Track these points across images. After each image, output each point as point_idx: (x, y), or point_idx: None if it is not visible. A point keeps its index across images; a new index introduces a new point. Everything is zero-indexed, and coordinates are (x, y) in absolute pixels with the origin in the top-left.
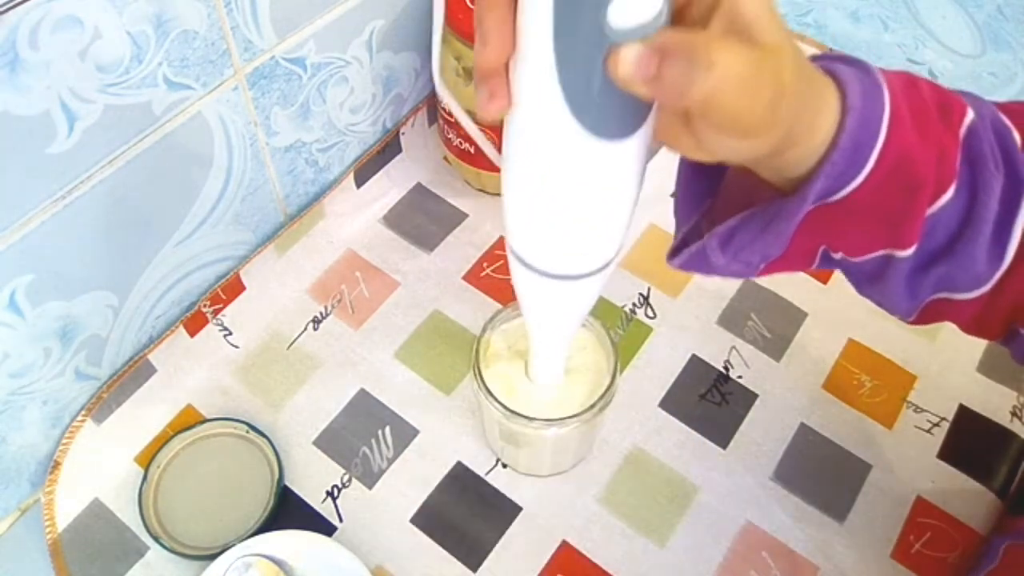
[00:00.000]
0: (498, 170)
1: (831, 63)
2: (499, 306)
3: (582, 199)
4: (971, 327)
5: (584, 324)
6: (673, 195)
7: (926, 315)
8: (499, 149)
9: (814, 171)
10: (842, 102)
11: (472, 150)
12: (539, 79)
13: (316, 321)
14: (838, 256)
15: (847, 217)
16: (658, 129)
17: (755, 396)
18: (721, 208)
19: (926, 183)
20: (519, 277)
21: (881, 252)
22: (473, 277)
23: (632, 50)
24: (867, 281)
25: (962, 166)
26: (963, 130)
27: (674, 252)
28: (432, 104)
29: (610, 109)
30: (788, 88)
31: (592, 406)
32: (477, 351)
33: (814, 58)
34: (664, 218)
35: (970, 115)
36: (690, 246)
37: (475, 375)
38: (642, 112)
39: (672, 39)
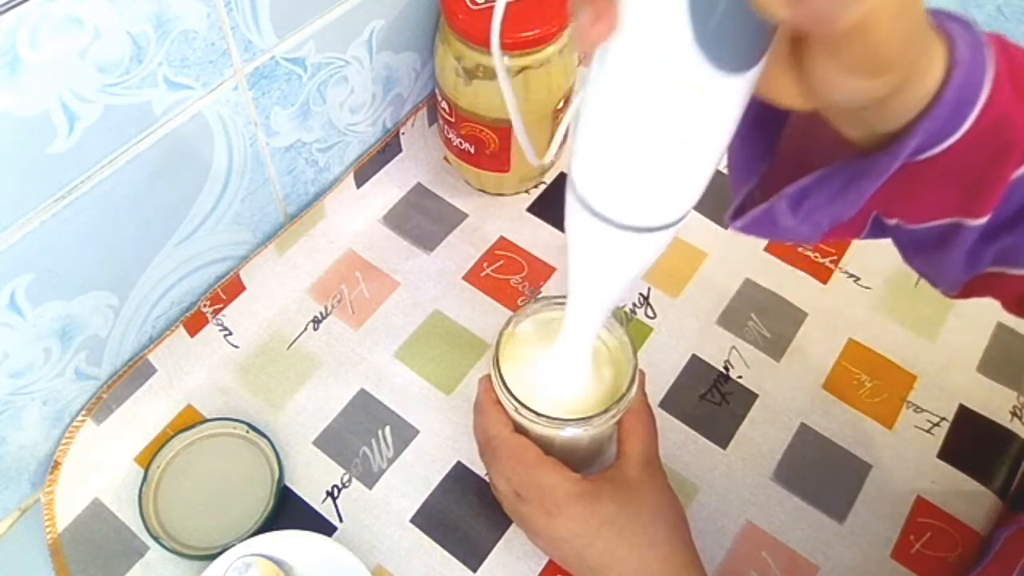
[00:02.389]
0: (498, 170)
1: (936, 16)
2: (499, 306)
3: (684, 137)
4: (1017, 305)
5: (608, 327)
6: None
7: (972, 289)
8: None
9: (912, 125)
10: (949, 56)
11: (472, 150)
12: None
13: (316, 321)
14: (892, 222)
15: (927, 179)
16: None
17: (755, 396)
18: (776, 172)
19: (1017, 147)
20: (580, 230)
21: (949, 220)
22: (473, 277)
23: None
24: (922, 249)
25: None
26: None
27: (735, 214)
28: (432, 104)
29: (735, 37)
30: (921, 24)
31: (606, 410)
32: (498, 345)
33: None
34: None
35: None
36: (749, 209)
37: (494, 369)
38: (763, 45)
39: None
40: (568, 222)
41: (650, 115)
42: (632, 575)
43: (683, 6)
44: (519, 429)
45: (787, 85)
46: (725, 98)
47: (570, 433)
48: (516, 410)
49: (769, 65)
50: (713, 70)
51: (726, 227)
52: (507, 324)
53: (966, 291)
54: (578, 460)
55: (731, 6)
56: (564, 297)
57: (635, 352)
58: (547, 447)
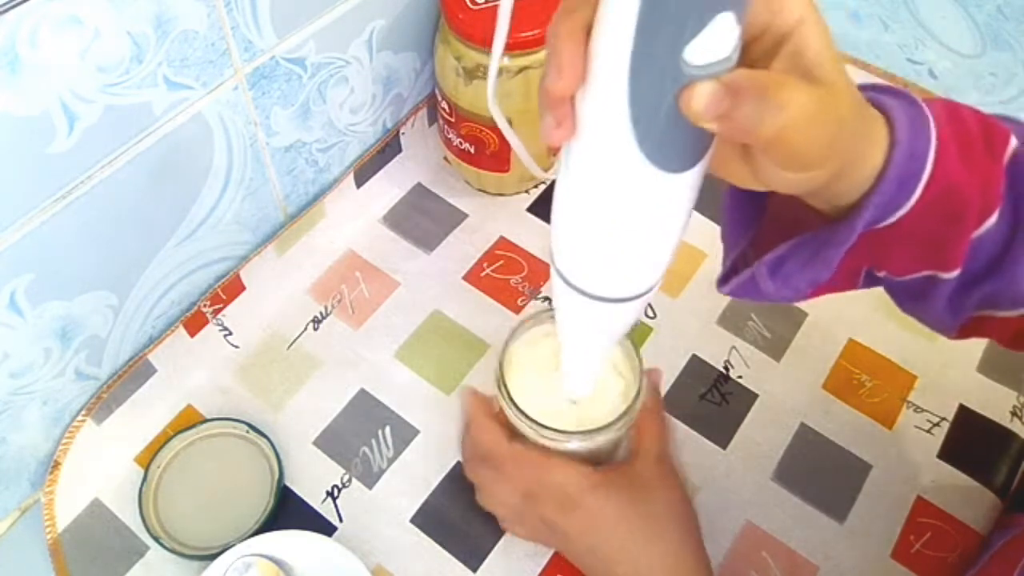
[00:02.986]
0: (498, 170)
1: (878, 95)
2: (499, 306)
3: (637, 226)
4: (1013, 343)
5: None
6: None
7: (968, 331)
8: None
9: (863, 200)
10: (891, 135)
11: (472, 150)
12: (609, 109)
13: (316, 321)
14: (882, 275)
15: (893, 241)
16: (712, 161)
17: (755, 396)
18: (767, 234)
19: (970, 210)
20: (562, 298)
21: (925, 273)
22: (473, 277)
23: (707, 87)
24: (910, 299)
25: (1007, 192)
26: (1007, 157)
27: (723, 280)
28: (432, 104)
29: (675, 143)
30: (847, 123)
31: (612, 422)
32: (501, 363)
33: (861, 87)
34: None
35: (1013, 142)
36: (739, 274)
37: (500, 387)
38: (703, 146)
39: (745, 78)
40: (553, 285)
41: (606, 208)
42: (642, 571)
43: (626, 118)
44: (516, 439)
45: (740, 170)
46: (672, 193)
47: (580, 446)
48: (532, 429)
49: (724, 153)
50: (658, 171)
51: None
52: (509, 339)
53: (962, 333)
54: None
55: (668, 118)
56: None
57: (641, 362)
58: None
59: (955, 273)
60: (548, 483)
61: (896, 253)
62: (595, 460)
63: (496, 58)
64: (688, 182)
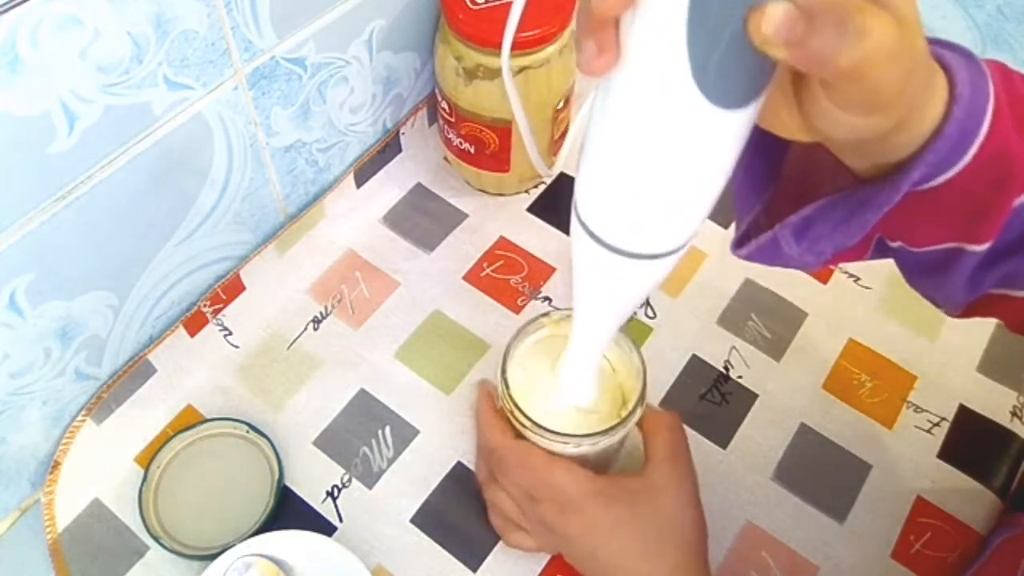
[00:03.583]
0: (498, 170)
1: (937, 48)
2: (499, 306)
3: (684, 170)
4: (1020, 326)
5: (616, 341)
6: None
7: (976, 309)
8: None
9: (912, 158)
10: (951, 89)
11: (472, 150)
12: (663, 34)
13: (316, 321)
14: (896, 245)
15: (930, 207)
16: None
17: (755, 396)
18: (782, 196)
19: (1017, 178)
20: (585, 255)
21: (950, 244)
22: (473, 277)
23: (779, 8)
24: (924, 272)
25: None
26: None
27: (738, 243)
28: (432, 104)
29: (734, 74)
30: (919, 65)
31: (614, 426)
32: (505, 363)
33: None
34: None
35: None
36: (755, 237)
37: (503, 388)
38: (763, 82)
39: (822, 1)
40: (573, 245)
41: (650, 147)
42: None
43: (682, 43)
44: (521, 438)
45: (789, 119)
46: (724, 133)
47: (582, 450)
48: (534, 431)
49: (771, 98)
50: (711, 106)
51: (726, 227)
52: (513, 341)
53: (969, 311)
54: (589, 467)
55: (730, 44)
56: (569, 310)
57: (645, 367)
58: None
59: (985, 246)
60: (550, 484)
61: (928, 221)
62: (598, 465)
63: (508, 45)
64: (742, 121)
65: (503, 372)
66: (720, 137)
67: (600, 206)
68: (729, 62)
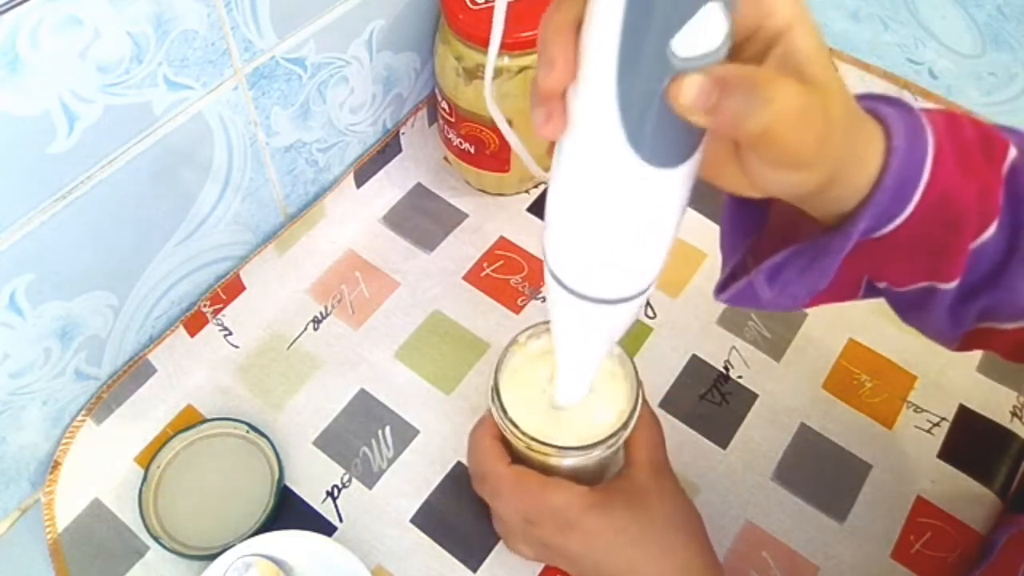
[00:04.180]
0: (498, 170)
1: (874, 103)
2: (499, 306)
3: (629, 224)
4: (1013, 355)
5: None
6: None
7: (969, 343)
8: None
9: (859, 209)
10: (887, 142)
11: (472, 150)
12: (598, 104)
13: (316, 321)
14: (882, 286)
15: (890, 251)
16: (706, 165)
17: (755, 396)
18: (767, 242)
19: (968, 220)
20: (556, 300)
21: (924, 284)
22: (473, 277)
23: (695, 79)
24: (910, 310)
25: (1005, 202)
26: (1006, 167)
27: (721, 287)
28: (432, 104)
29: (664, 137)
30: (838, 124)
31: (613, 434)
32: (497, 376)
33: (857, 97)
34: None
35: (1012, 152)
36: (737, 281)
37: (495, 403)
38: (694, 142)
39: (733, 71)
40: (547, 289)
41: (596, 205)
42: None
43: (615, 112)
44: (517, 457)
45: (734, 176)
46: (664, 189)
47: (582, 459)
48: (528, 446)
49: (717, 157)
50: (649, 166)
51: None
52: (503, 356)
53: (964, 344)
54: (587, 480)
55: (658, 112)
56: (540, 323)
57: (638, 375)
58: (549, 472)
59: (954, 284)
60: (546, 507)
61: (894, 263)
62: (592, 476)
63: (492, 58)
64: (679, 178)
65: (496, 391)
66: (661, 193)
67: (561, 256)
68: (659, 126)
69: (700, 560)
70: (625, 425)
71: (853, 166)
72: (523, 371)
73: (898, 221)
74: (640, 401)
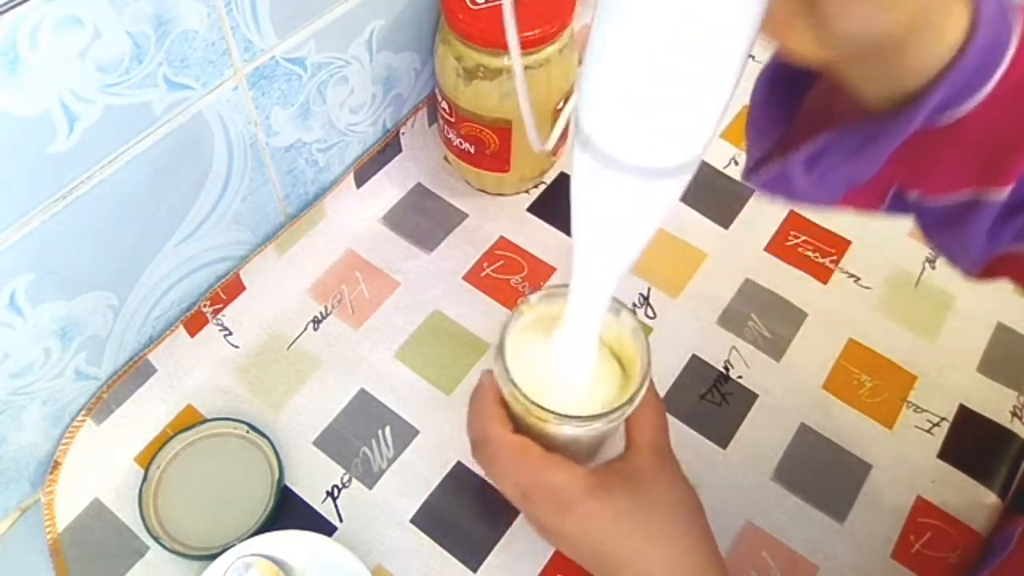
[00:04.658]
0: (498, 170)
1: None
2: (499, 306)
3: (691, 60)
4: None
5: (616, 315)
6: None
7: (994, 269)
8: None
9: (931, 84)
10: (972, 10)
11: (472, 150)
12: None
13: (316, 321)
14: (914, 197)
15: (948, 147)
16: (771, 22)
17: (755, 396)
18: (799, 136)
19: None
20: (587, 182)
21: (968, 193)
22: (473, 277)
23: None
24: (941, 225)
25: None
26: None
27: (750, 171)
28: (432, 104)
29: None
30: None
31: (612, 411)
32: (502, 339)
33: None
34: (664, 218)
35: None
36: (768, 165)
37: (499, 365)
38: None
39: None
40: (575, 178)
41: (660, 40)
42: (652, 571)
43: None
44: (519, 426)
45: (800, 32)
46: (735, 20)
47: (581, 430)
48: (527, 409)
49: (785, 11)
50: None
51: (726, 227)
52: (511, 317)
53: (987, 272)
54: (583, 454)
55: None
56: (547, 289)
57: (649, 353)
58: (550, 443)
59: (1005, 192)
60: (543, 485)
61: (946, 161)
62: (586, 451)
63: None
64: (755, 9)
65: (501, 349)
66: (731, 24)
67: (607, 115)
68: None
69: (703, 548)
70: (630, 400)
71: (934, 20)
72: (531, 333)
73: (971, 103)
74: (648, 379)
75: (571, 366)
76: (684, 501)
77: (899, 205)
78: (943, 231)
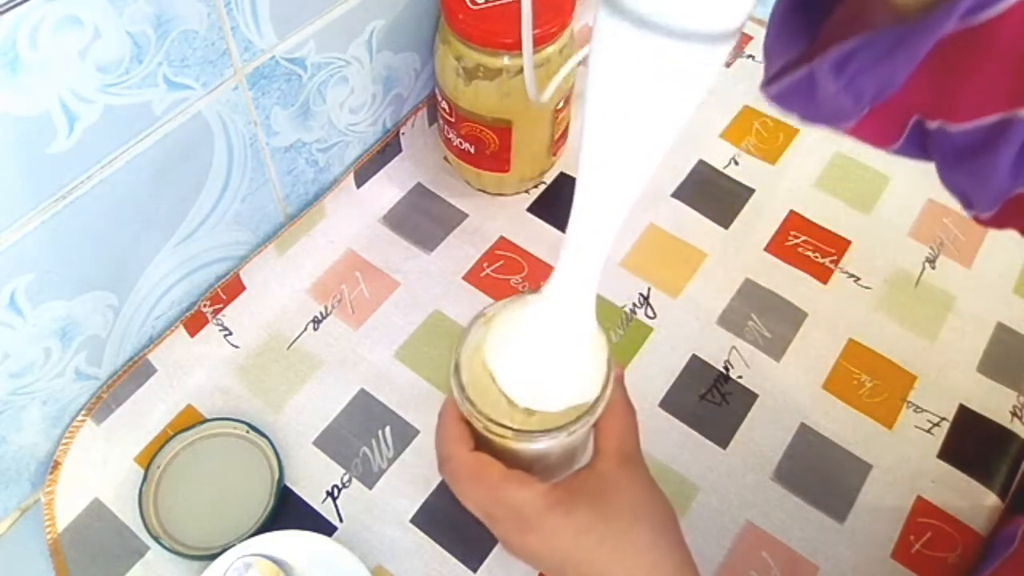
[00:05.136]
0: (498, 170)
1: None
2: None
3: None
4: None
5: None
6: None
7: (1007, 211)
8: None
9: None
10: None
11: (472, 150)
12: None
13: (316, 321)
14: (934, 126)
15: (981, 55)
16: None
17: (755, 396)
18: (823, 46)
19: None
20: (618, 53)
21: (998, 115)
22: (473, 277)
23: None
24: (962, 157)
25: None
26: None
27: (769, 81)
28: (432, 104)
29: None
30: None
31: (572, 422)
32: (458, 352)
33: None
34: (663, 218)
35: None
36: (789, 74)
37: (454, 378)
38: None
39: None
40: (597, 55)
41: None
42: None
43: None
44: (483, 444)
45: None
46: None
47: (543, 444)
48: (486, 427)
49: None
50: None
51: (727, 227)
52: (465, 333)
53: (1001, 213)
54: (555, 468)
55: None
56: (530, 292)
57: (611, 357)
58: (518, 459)
59: None
60: (504, 503)
61: (978, 74)
62: (559, 464)
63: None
64: None
65: (456, 365)
66: None
67: None
68: None
69: (672, 559)
70: (591, 410)
71: None
72: (491, 346)
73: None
74: (608, 386)
75: (562, 341)
76: (651, 510)
77: (916, 140)
78: (963, 164)
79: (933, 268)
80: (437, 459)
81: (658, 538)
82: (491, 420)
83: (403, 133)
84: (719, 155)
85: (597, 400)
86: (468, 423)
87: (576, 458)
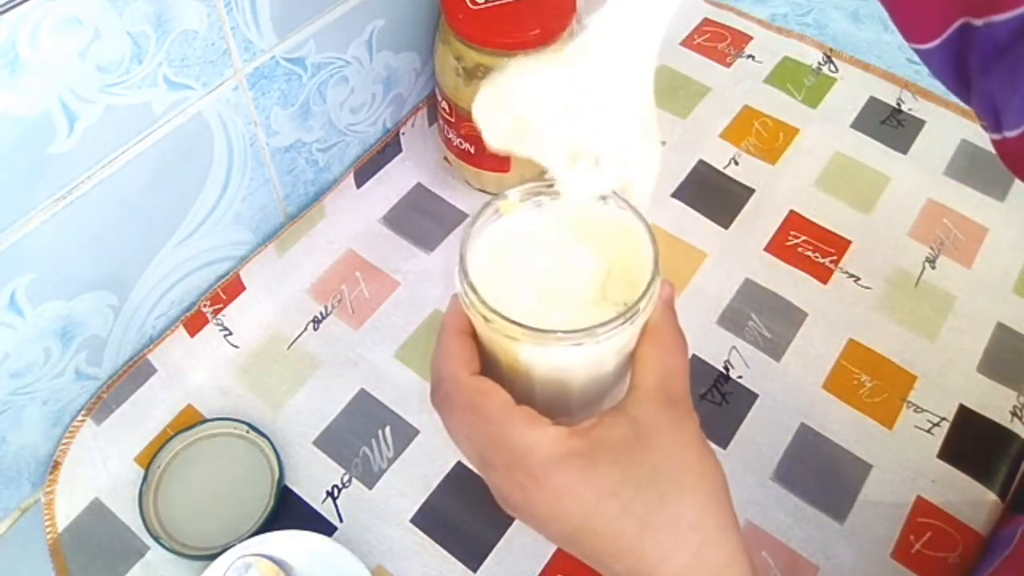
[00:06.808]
0: (499, 170)
1: None
2: None
3: None
4: None
5: (618, 204)
6: None
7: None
8: None
9: None
10: None
11: (472, 150)
12: None
13: (316, 321)
14: (980, 23)
15: None
16: None
17: (755, 396)
18: None
19: None
20: None
21: None
22: None
23: None
24: (1003, 50)
25: None
26: None
27: None
28: (432, 104)
29: None
30: None
31: (605, 323)
32: (466, 239)
33: None
34: (663, 218)
35: None
36: None
37: (459, 266)
38: None
39: None
40: None
41: None
42: (651, 569)
43: None
44: (489, 366)
45: None
46: None
47: (565, 353)
48: (485, 317)
49: None
50: None
51: (727, 227)
52: (483, 210)
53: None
54: (579, 402)
55: None
56: (523, 184)
57: (656, 242)
58: (531, 388)
59: None
60: (502, 445)
61: None
62: (591, 398)
63: None
64: None
65: (462, 256)
66: None
67: None
68: None
69: (722, 544)
70: (635, 309)
71: None
72: (506, 240)
73: None
74: (657, 280)
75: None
76: (698, 474)
77: (953, 45)
78: (1002, 59)
79: (933, 268)
80: (431, 384)
81: (705, 514)
82: (496, 312)
83: (403, 133)
84: (719, 155)
85: (642, 297)
86: (473, 339)
87: (604, 394)
